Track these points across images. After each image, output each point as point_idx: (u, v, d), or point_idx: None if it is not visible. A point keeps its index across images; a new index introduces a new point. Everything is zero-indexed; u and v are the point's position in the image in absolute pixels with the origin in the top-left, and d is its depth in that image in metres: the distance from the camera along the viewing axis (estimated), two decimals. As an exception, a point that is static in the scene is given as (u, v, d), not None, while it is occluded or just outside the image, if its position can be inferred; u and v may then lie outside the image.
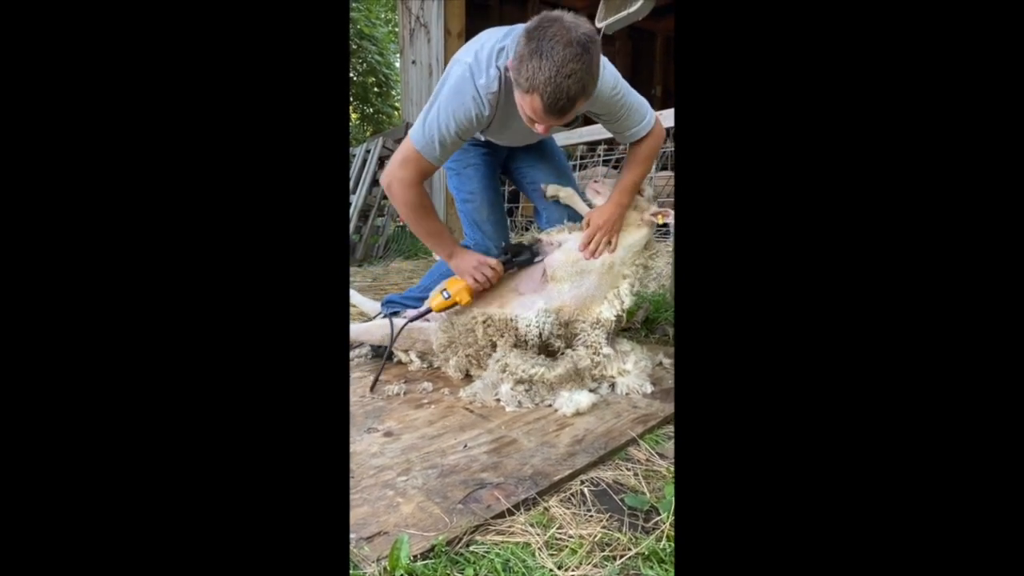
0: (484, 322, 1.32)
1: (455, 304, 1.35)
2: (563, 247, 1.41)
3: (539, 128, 1.13)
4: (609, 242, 1.38)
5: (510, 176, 1.67)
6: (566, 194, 1.53)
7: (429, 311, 1.38)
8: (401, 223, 4.26)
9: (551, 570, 0.67)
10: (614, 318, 1.33)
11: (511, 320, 1.31)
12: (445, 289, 1.35)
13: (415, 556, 0.69)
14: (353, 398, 1.26)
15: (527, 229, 1.58)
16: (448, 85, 1.22)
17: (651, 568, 0.67)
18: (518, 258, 1.39)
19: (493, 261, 1.35)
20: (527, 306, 1.34)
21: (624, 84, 1.29)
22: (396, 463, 0.94)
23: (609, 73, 1.23)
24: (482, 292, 1.38)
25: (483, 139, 1.57)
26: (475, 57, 1.20)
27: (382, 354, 1.49)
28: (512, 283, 1.43)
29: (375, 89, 10.09)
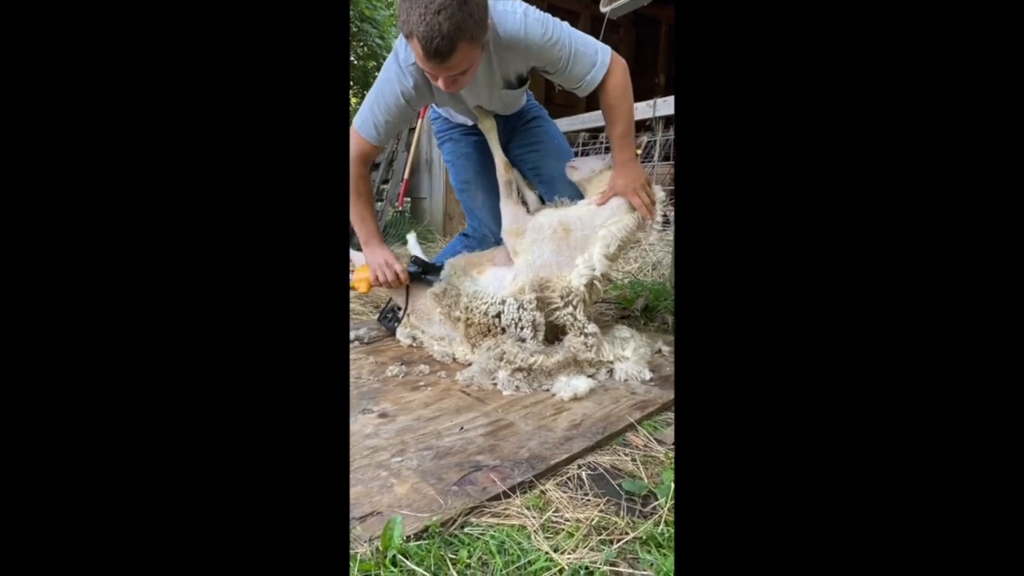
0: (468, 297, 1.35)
1: (351, 288, 1.43)
2: (510, 223, 1.40)
3: (440, 83, 1.09)
4: (647, 195, 1.32)
5: (511, 163, 1.65)
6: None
7: None
8: (399, 208, 4.22)
9: (547, 553, 0.66)
10: (584, 287, 1.29)
11: (483, 301, 1.31)
12: (352, 272, 1.41)
13: (408, 537, 0.67)
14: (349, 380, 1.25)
15: None
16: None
17: (649, 552, 0.66)
18: (428, 274, 1.40)
19: (400, 268, 1.35)
20: (499, 278, 1.35)
21: (560, 28, 1.21)
22: (391, 444, 0.93)
23: (534, 20, 1.17)
24: (461, 261, 1.42)
25: (471, 124, 1.54)
26: (403, 38, 1.20)
27: (387, 325, 1.62)
28: (489, 253, 1.46)
29: (375, 74, 9.98)
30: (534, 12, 1.19)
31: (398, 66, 1.21)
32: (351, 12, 8.60)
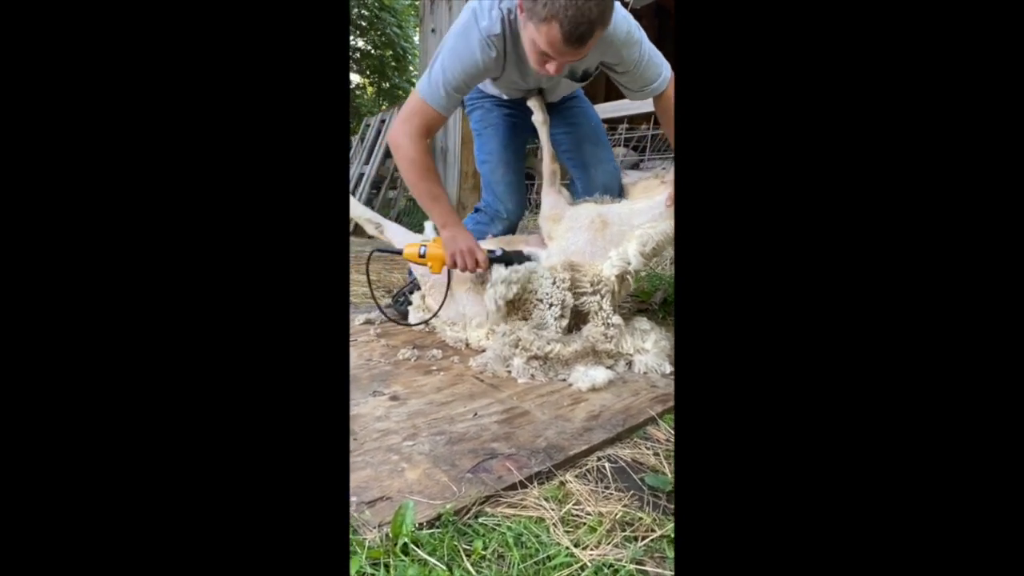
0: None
1: (423, 265, 1.34)
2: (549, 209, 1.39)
3: (551, 67, 1.06)
4: None
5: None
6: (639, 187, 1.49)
7: (399, 253, 1.36)
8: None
9: (567, 548, 0.62)
10: (615, 278, 1.26)
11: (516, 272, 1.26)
12: (424, 246, 1.32)
13: (420, 524, 0.63)
14: (359, 362, 1.21)
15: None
16: (453, 31, 1.18)
17: (678, 552, 0.61)
18: (505, 256, 1.32)
19: (482, 256, 1.27)
20: (535, 257, 1.33)
21: (640, 32, 1.21)
22: (402, 428, 0.89)
23: (620, 17, 1.16)
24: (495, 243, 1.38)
25: (506, 97, 1.49)
26: (479, 2, 1.16)
27: (399, 309, 1.58)
28: (523, 237, 1.44)
29: (392, 63, 9.91)
30: (621, 10, 1.18)
31: (480, 34, 1.15)
32: (369, 0, 8.56)
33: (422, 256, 1.32)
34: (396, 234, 1.47)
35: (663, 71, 1.28)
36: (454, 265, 1.28)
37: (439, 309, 1.38)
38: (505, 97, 1.50)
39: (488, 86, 1.49)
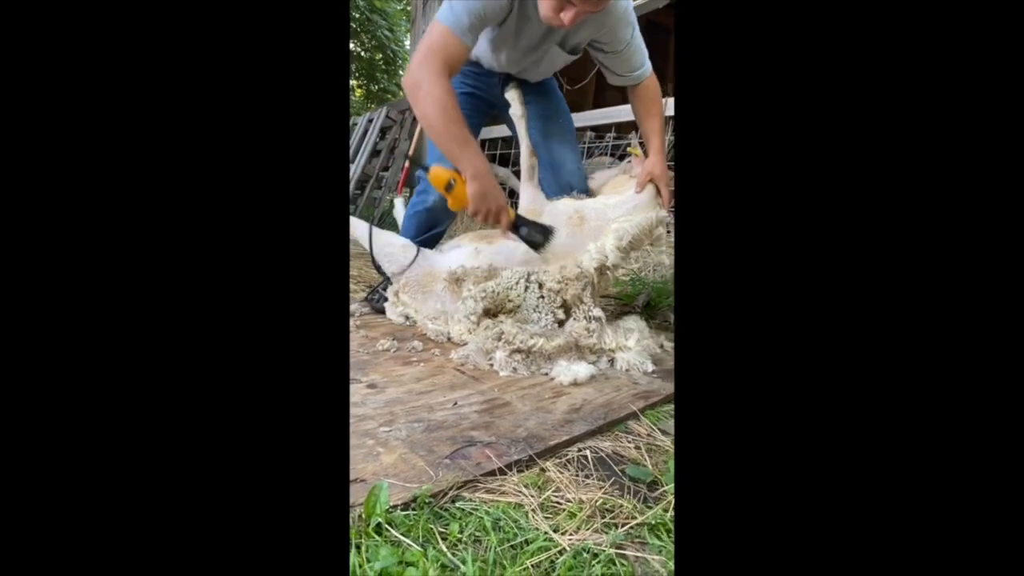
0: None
1: (443, 194, 1.23)
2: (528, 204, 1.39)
3: (566, 16, 1.05)
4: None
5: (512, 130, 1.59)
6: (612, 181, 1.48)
7: (426, 169, 1.24)
8: (398, 196, 4.15)
9: (546, 533, 0.60)
10: (594, 269, 1.27)
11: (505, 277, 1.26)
12: (454, 179, 1.18)
13: (395, 505, 0.61)
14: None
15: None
16: None
17: (658, 538, 0.60)
18: (527, 230, 1.27)
19: (506, 221, 1.21)
20: (509, 249, 1.32)
21: (634, 14, 1.25)
22: (378, 414, 0.86)
23: None
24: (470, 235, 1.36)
25: (475, 66, 1.46)
26: None
27: (375, 305, 1.53)
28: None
29: (382, 66, 9.88)
30: None
31: None
32: (361, 2, 8.54)
33: (448, 189, 1.19)
34: (356, 226, 1.43)
35: (647, 62, 1.32)
36: (475, 215, 1.18)
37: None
38: (473, 65, 1.44)
39: None
